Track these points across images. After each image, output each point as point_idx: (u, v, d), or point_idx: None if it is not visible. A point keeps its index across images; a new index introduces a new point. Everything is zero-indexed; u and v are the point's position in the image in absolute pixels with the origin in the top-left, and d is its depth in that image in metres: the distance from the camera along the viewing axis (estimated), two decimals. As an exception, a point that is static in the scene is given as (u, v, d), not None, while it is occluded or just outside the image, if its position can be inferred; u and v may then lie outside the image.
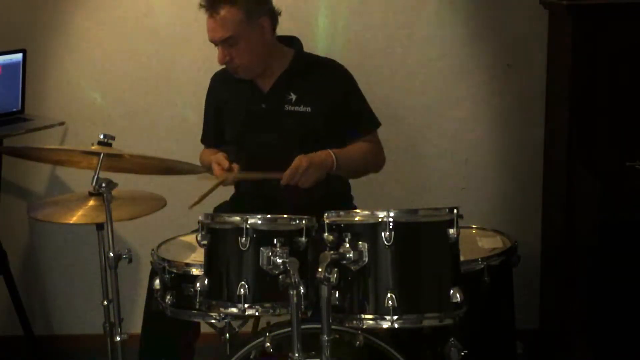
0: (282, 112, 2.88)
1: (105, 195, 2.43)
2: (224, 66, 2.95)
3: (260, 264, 2.28)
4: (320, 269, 2.14)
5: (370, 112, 3.00)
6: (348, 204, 3.07)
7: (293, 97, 2.89)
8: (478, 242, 2.80)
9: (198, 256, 2.57)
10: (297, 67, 2.93)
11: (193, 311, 2.51)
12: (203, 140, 3.18)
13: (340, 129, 2.91)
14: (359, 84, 3.01)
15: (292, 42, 3.00)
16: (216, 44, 2.83)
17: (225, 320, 2.63)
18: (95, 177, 2.45)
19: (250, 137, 2.96)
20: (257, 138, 2.94)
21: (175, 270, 2.57)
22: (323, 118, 2.87)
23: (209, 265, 2.38)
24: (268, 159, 2.90)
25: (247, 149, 2.97)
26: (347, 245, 2.23)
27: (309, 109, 2.88)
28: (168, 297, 2.56)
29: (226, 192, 3.13)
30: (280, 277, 2.27)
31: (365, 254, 2.22)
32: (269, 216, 2.32)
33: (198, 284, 2.35)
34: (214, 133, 3.10)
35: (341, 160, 2.81)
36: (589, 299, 3.08)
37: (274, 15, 2.89)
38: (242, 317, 2.73)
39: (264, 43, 2.87)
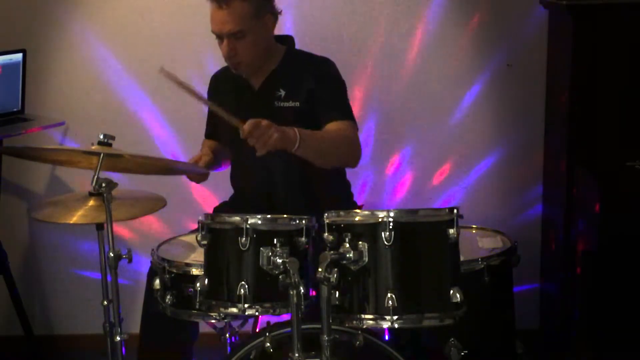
0: (273, 108, 2.89)
1: (105, 195, 2.43)
2: (224, 65, 2.96)
3: (260, 264, 2.28)
4: (320, 269, 2.14)
5: (348, 107, 2.92)
6: (349, 203, 3.07)
7: (282, 93, 2.90)
8: (478, 242, 2.81)
9: (198, 256, 2.57)
10: (287, 64, 2.94)
11: (193, 311, 2.51)
12: (205, 135, 3.21)
13: (318, 111, 2.85)
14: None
15: (285, 40, 3.01)
16: (222, 37, 2.81)
17: (225, 320, 2.63)
18: (95, 177, 2.45)
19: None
20: None
21: (175, 270, 2.57)
22: (310, 112, 2.86)
23: (209, 265, 2.38)
24: (262, 156, 2.90)
25: (242, 147, 2.98)
26: (347, 245, 2.22)
27: (297, 104, 2.88)
28: (168, 297, 2.56)
29: (226, 193, 3.14)
30: (280, 277, 2.27)
31: (365, 254, 2.22)
32: (269, 216, 2.32)
33: (198, 284, 2.35)
34: (214, 129, 3.13)
35: (306, 139, 2.67)
36: (589, 299, 3.08)
37: (276, 15, 2.90)
38: (242, 317, 2.73)
39: (267, 40, 2.89)
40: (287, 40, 3.03)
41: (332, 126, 2.83)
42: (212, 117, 3.13)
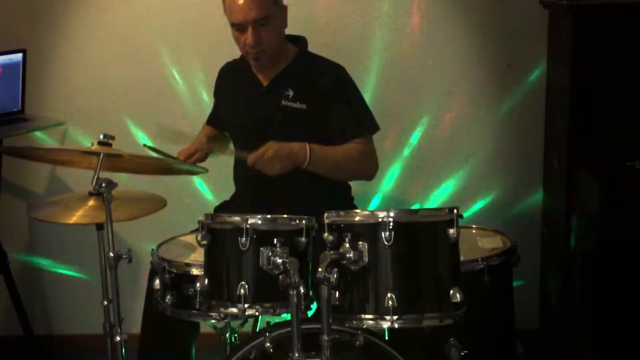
0: (279, 107, 2.89)
1: (105, 195, 2.43)
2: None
3: (260, 264, 2.28)
4: (320, 269, 2.14)
5: (365, 117, 2.93)
6: (348, 205, 3.07)
7: (290, 93, 2.89)
8: (478, 242, 2.81)
9: (198, 256, 2.57)
10: (298, 65, 2.93)
11: (193, 311, 2.51)
12: (207, 120, 3.23)
13: (334, 130, 2.88)
14: (358, 84, 3.00)
15: (298, 40, 3.00)
16: (245, 27, 2.77)
17: (225, 320, 2.63)
18: (95, 177, 2.45)
19: (247, 129, 2.97)
20: (254, 131, 2.95)
21: (175, 270, 2.57)
22: (317, 117, 2.86)
23: (209, 265, 2.38)
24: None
25: (245, 141, 2.99)
26: (347, 245, 2.22)
27: (304, 106, 2.87)
28: (168, 297, 2.56)
29: (226, 192, 3.14)
30: (280, 277, 2.27)
31: (365, 254, 2.22)
32: (269, 216, 2.32)
33: (198, 284, 2.35)
34: (217, 118, 3.16)
35: (317, 156, 2.74)
36: (589, 299, 3.08)
37: (286, 6, 2.89)
38: (242, 317, 2.73)
39: (283, 30, 2.89)
40: (299, 40, 3.01)
41: (349, 145, 2.85)
42: (217, 109, 3.15)
